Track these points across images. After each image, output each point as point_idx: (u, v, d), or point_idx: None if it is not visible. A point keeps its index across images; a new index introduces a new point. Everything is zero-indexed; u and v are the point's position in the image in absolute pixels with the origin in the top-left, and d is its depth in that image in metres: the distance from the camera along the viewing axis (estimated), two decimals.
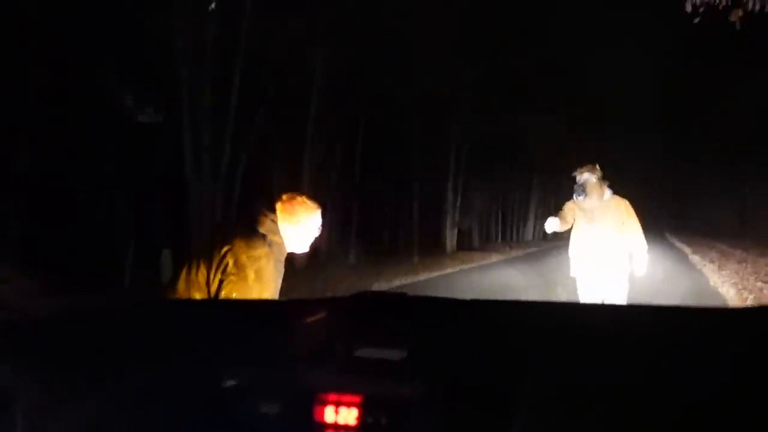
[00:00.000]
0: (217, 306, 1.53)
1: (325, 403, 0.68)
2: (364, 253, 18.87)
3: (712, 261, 14.18)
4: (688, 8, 7.33)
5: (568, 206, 4.84)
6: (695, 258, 16.06)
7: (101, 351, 0.87)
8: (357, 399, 0.67)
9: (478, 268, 15.73)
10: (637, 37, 28.68)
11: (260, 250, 2.12)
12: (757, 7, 6.66)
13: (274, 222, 2.24)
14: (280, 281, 2.23)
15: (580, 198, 4.66)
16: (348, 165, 18.91)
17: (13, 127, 9.82)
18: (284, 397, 0.71)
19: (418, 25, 15.01)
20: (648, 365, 0.75)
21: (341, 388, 0.69)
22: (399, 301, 1.22)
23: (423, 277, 13.29)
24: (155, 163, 14.48)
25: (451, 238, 22.12)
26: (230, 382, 0.72)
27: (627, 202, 4.67)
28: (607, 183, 4.73)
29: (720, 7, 7.26)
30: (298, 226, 2.30)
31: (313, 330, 0.99)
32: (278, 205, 2.29)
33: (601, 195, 4.66)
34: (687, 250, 19.72)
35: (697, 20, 7.36)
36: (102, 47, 10.84)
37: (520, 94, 21.78)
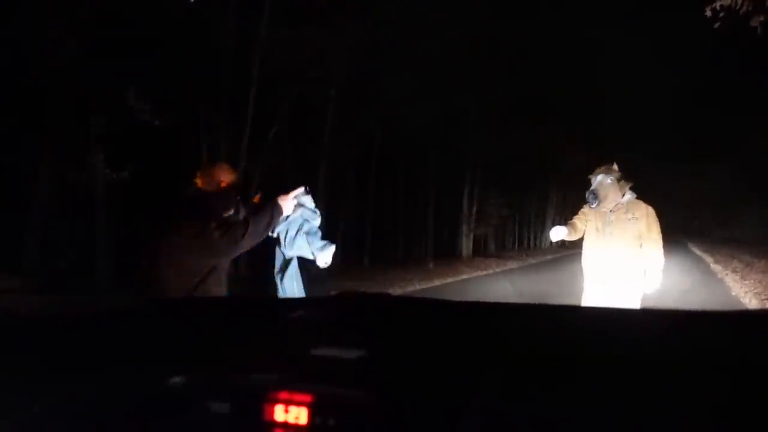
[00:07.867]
0: (183, 305, 1.51)
1: (275, 402, 0.65)
2: (379, 259, 18.85)
3: (734, 271, 13.85)
4: (708, 13, 7.21)
5: (582, 212, 4.27)
6: (717, 267, 15.72)
7: (45, 356, 0.85)
8: (308, 398, 0.65)
9: (493, 275, 15.59)
10: (660, 53, 28.46)
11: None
12: None
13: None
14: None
15: (593, 205, 4.04)
16: (363, 173, 18.93)
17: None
18: (236, 396, 0.68)
19: (437, 41, 14.98)
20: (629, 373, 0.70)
21: (293, 386, 0.67)
22: (381, 301, 1.19)
23: (438, 282, 13.20)
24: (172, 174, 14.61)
25: (467, 245, 22.00)
26: (176, 380, 0.69)
27: (651, 210, 3.94)
28: (628, 185, 4.03)
29: (741, 13, 7.13)
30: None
31: (278, 329, 0.96)
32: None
33: (618, 198, 3.98)
34: (708, 259, 19.31)
35: (717, 25, 7.23)
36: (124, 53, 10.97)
37: (539, 109, 21.68)
